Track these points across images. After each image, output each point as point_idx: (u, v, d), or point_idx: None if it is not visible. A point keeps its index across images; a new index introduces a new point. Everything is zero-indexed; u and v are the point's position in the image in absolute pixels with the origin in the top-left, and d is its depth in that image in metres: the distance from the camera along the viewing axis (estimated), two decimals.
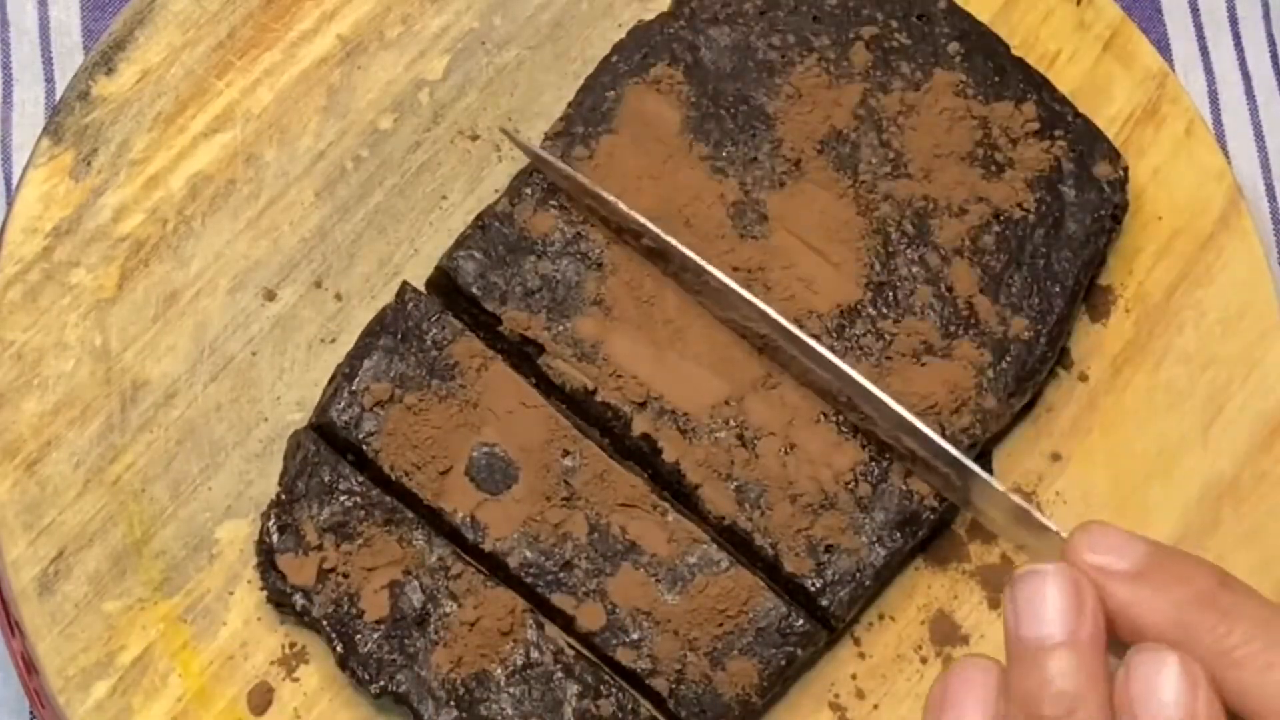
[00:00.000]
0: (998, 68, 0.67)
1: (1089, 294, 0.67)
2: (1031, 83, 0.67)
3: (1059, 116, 0.67)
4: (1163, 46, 0.78)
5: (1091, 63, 0.70)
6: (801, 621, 0.61)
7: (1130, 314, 0.68)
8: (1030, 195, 0.66)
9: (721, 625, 0.60)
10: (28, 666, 0.62)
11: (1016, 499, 0.57)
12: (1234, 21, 0.79)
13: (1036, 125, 0.67)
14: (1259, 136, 0.77)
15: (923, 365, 0.64)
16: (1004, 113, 0.67)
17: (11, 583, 0.61)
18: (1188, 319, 0.68)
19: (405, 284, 0.63)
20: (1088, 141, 0.67)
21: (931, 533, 0.64)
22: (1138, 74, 0.71)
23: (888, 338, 0.64)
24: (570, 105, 0.66)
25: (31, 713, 0.66)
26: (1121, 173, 0.67)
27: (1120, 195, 0.67)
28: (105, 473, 0.62)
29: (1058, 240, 0.66)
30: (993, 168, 0.66)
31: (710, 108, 0.66)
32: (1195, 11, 0.79)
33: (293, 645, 0.61)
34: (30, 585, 0.61)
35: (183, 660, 0.61)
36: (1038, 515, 0.57)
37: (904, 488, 0.62)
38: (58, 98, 0.69)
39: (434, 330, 0.62)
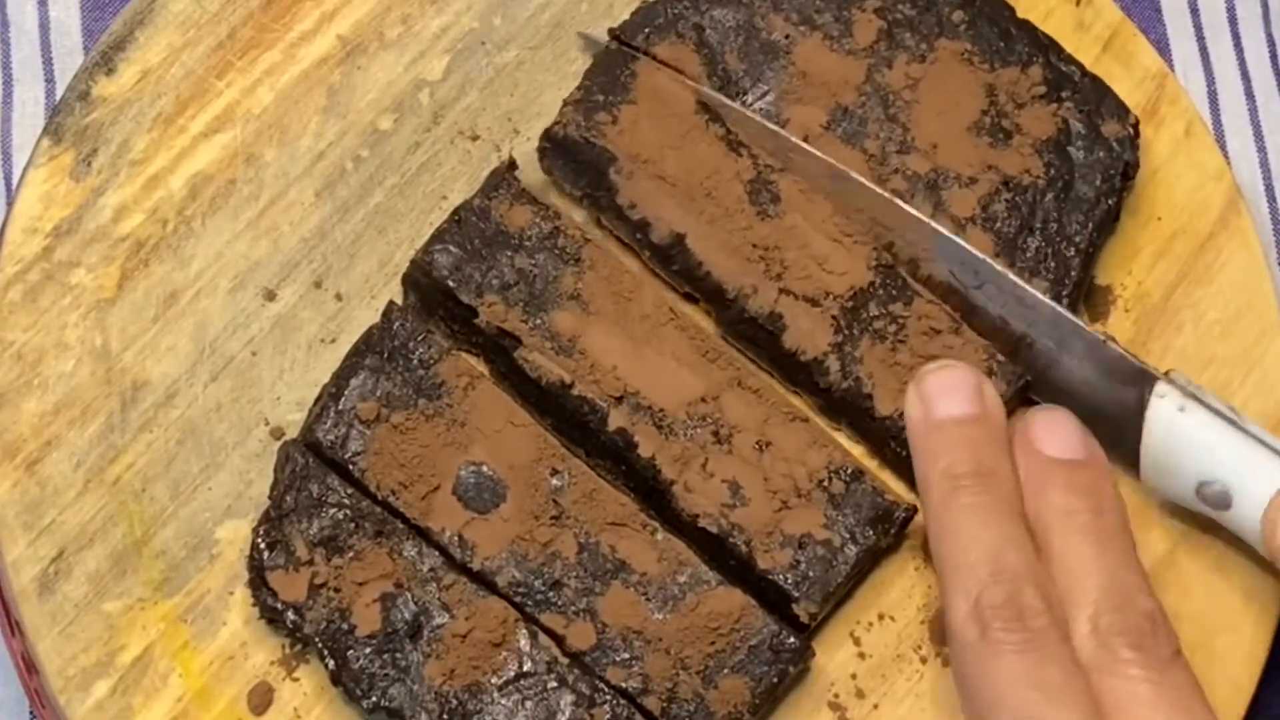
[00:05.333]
0: (1003, 33, 0.67)
1: (1089, 294, 0.67)
2: (1037, 45, 0.67)
3: (1066, 77, 0.67)
4: (1162, 47, 0.78)
5: (1091, 63, 0.70)
6: (793, 639, 0.60)
7: (1129, 314, 0.68)
8: (1039, 161, 0.66)
9: (713, 643, 0.60)
10: (28, 666, 0.62)
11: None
12: (1233, 22, 0.79)
13: (1043, 89, 0.67)
14: (1259, 137, 0.77)
15: (935, 343, 0.64)
16: (1010, 78, 0.67)
17: (11, 583, 0.61)
18: (1187, 319, 0.68)
19: (391, 303, 0.63)
20: (1096, 100, 0.67)
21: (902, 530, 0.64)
22: (1137, 74, 0.71)
23: (900, 320, 0.64)
24: (586, 76, 0.66)
25: (31, 713, 0.66)
26: (1131, 130, 0.67)
27: (1131, 153, 0.66)
28: (105, 473, 0.62)
29: (1069, 203, 0.66)
30: (1000, 135, 0.66)
31: (719, 87, 0.66)
32: (1195, 12, 0.79)
33: (293, 645, 0.61)
34: (30, 585, 0.61)
35: (183, 660, 0.61)
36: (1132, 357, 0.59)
37: (877, 485, 0.62)
38: (58, 98, 0.69)
39: (420, 349, 0.62)
